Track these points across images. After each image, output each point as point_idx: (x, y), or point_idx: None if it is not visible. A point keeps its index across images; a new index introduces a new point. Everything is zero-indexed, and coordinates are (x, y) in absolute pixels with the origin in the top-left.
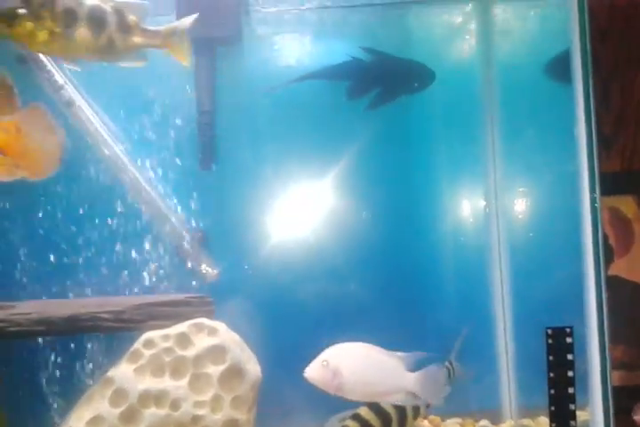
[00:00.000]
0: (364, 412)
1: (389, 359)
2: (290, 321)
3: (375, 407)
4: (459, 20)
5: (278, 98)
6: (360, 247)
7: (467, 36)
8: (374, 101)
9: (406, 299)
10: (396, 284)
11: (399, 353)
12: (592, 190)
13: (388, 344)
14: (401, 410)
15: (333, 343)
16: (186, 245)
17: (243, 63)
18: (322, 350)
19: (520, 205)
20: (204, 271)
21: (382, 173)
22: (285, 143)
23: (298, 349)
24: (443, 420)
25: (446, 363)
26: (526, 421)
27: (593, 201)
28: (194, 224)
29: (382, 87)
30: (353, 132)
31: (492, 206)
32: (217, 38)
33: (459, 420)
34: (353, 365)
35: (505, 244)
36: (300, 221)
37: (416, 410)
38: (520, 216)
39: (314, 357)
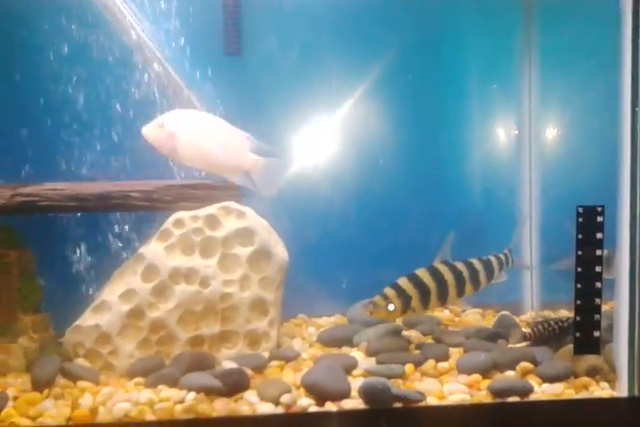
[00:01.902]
0: (402, 281)
1: (234, 136)
2: (315, 217)
3: (414, 279)
4: None
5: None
6: (390, 155)
7: None
8: None
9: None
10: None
11: (247, 134)
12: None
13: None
14: (442, 284)
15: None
16: None
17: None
18: (343, 243)
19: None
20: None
21: (414, 93)
22: (314, 33)
23: (323, 242)
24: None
25: (504, 250)
26: (547, 312)
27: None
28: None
29: None
30: (386, 40)
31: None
32: None
33: (479, 311)
34: (191, 131)
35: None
36: (322, 113)
37: (460, 288)
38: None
39: (339, 250)
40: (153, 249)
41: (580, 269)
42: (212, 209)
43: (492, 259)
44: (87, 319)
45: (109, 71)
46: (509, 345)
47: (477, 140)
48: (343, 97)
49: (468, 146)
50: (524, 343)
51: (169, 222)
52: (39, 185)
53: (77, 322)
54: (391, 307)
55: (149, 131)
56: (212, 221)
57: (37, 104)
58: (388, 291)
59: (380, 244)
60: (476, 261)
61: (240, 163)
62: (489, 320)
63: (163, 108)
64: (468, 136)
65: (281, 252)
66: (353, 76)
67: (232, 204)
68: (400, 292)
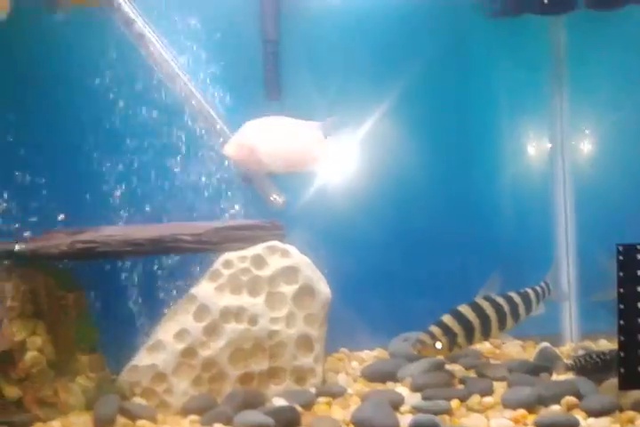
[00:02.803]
0: (446, 318)
1: (305, 130)
2: (352, 247)
3: (458, 316)
4: None
5: (342, 26)
6: (425, 180)
7: None
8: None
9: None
10: (458, 213)
11: (313, 122)
12: None
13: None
14: (485, 320)
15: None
16: (255, 176)
17: None
18: (380, 275)
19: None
20: (272, 199)
21: (446, 110)
22: (348, 73)
23: (361, 273)
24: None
25: (541, 283)
26: (587, 343)
27: None
28: None
29: None
30: (414, 66)
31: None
32: None
33: (520, 342)
34: (268, 139)
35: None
36: (362, 151)
37: (502, 322)
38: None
39: (377, 282)
40: (204, 289)
41: (622, 306)
42: (257, 249)
43: (530, 292)
44: (143, 359)
45: (156, 117)
46: (553, 378)
47: (512, 168)
48: (378, 131)
49: (503, 173)
50: (567, 375)
51: (218, 263)
52: (96, 231)
53: (134, 362)
54: (439, 345)
55: (231, 150)
56: (259, 261)
57: (85, 149)
58: (434, 329)
59: (416, 275)
60: (514, 295)
61: (319, 153)
62: (529, 352)
63: (209, 150)
64: (503, 164)
65: (324, 289)
66: (387, 110)
67: (276, 243)
68: (446, 329)
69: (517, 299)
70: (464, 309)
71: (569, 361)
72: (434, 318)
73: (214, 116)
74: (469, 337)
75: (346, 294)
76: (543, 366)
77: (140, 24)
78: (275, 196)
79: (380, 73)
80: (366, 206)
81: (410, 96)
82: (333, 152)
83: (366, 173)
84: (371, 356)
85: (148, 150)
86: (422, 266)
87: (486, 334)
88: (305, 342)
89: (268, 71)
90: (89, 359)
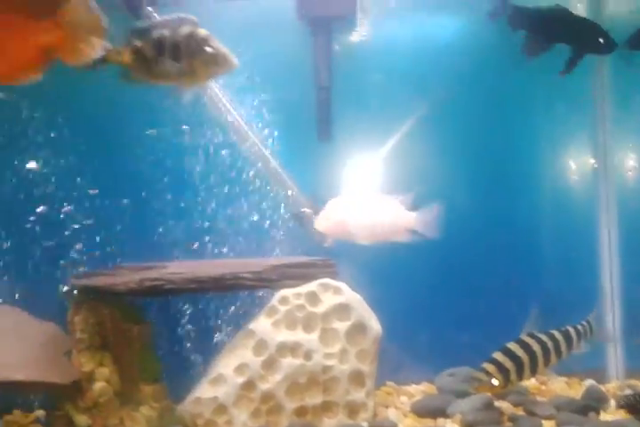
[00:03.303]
0: (498, 356)
1: (389, 204)
2: (398, 283)
3: (509, 353)
4: None
5: (391, 72)
6: (470, 219)
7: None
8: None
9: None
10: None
11: (398, 197)
12: None
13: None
14: (533, 356)
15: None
16: (304, 212)
17: (357, 40)
18: (425, 310)
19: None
20: (322, 237)
21: (488, 135)
22: (396, 116)
23: (405, 308)
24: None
25: (583, 322)
26: (633, 381)
27: None
28: (311, 193)
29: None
30: (461, 104)
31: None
32: (333, 17)
33: (565, 379)
34: (356, 213)
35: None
36: (409, 188)
37: (547, 359)
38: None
39: (421, 317)
40: (262, 325)
41: None
42: (312, 286)
43: (571, 330)
44: (206, 391)
45: (217, 159)
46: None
47: (555, 204)
48: (423, 174)
49: (547, 210)
50: (616, 415)
51: (275, 300)
52: (161, 267)
53: (197, 394)
54: (494, 382)
55: (321, 224)
56: (313, 298)
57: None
58: (489, 366)
59: (460, 311)
60: (556, 333)
61: (402, 224)
62: (574, 389)
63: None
64: (546, 201)
65: (375, 325)
66: (430, 150)
67: (329, 280)
68: (499, 367)
69: (559, 336)
70: (513, 346)
71: (619, 400)
72: (476, 353)
73: (269, 158)
74: (520, 374)
75: (391, 329)
76: (591, 405)
77: None
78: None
79: (426, 114)
80: (412, 243)
81: (455, 135)
82: (416, 224)
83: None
84: (418, 390)
85: (207, 190)
86: (466, 302)
87: (534, 371)
88: (357, 378)
89: (321, 115)
90: (152, 390)
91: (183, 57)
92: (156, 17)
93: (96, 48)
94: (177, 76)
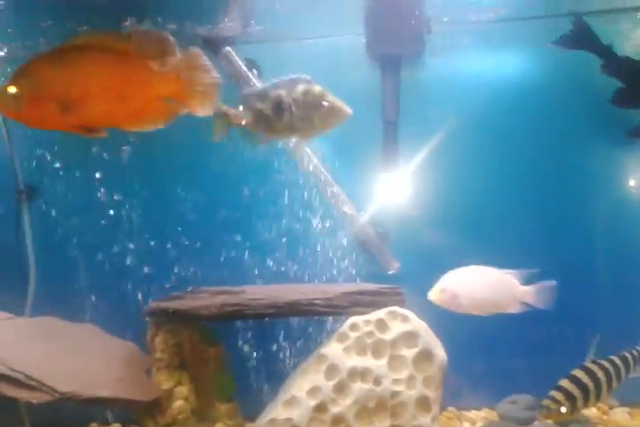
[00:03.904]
0: (565, 383)
1: (502, 276)
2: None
3: (575, 380)
4: None
5: (458, 107)
6: (526, 246)
7: None
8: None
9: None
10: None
11: (510, 270)
12: None
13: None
14: (597, 383)
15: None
16: (371, 240)
17: (425, 76)
18: (485, 337)
19: None
20: (387, 264)
21: (553, 174)
22: (463, 151)
23: (466, 334)
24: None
25: (638, 347)
26: None
27: None
28: (377, 221)
29: None
30: (527, 139)
31: None
32: (402, 54)
33: (627, 409)
34: (468, 286)
35: None
36: (476, 221)
37: (609, 385)
38: None
39: (481, 343)
40: (333, 350)
41: None
42: (380, 314)
43: (628, 355)
44: (280, 413)
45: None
46: None
47: (612, 233)
48: (487, 208)
49: (603, 237)
50: None
51: (346, 326)
52: (239, 293)
53: (272, 415)
54: (563, 409)
55: (436, 296)
56: (382, 325)
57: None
58: (557, 394)
59: (519, 338)
60: (616, 359)
61: (514, 297)
62: (637, 419)
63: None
64: (604, 230)
65: (440, 353)
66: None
67: (397, 308)
68: (567, 394)
69: (618, 362)
70: (579, 373)
71: None
72: (536, 380)
73: (335, 186)
74: (586, 401)
75: (452, 354)
76: None
77: None
78: (389, 260)
79: (492, 148)
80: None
81: (521, 173)
82: (530, 298)
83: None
84: (479, 416)
85: (278, 218)
86: (525, 330)
87: (598, 397)
88: (423, 403)
89: (387, 148)
90: (226, 408)
91: (302, 113)
92: (234, 55)
93: (211, 101)
94: (297, 131)
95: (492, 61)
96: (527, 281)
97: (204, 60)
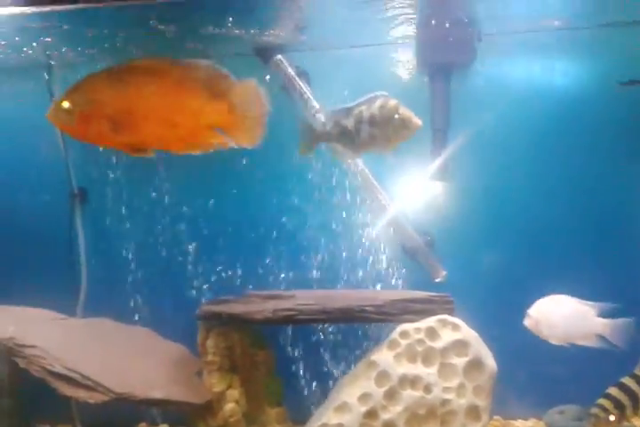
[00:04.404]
0: (614, 391)
1: (582, 307)
2: (508, 319)
3: (624, 388)
4: None
5: (507, 117)
6: (576, 260)
7: None
8: None
9: None
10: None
11: (591, 302)
12: None
13: None
14: None
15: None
16: (418, 247)
17: (474, 84)
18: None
19: None
20: (434, 272)
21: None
22: (514, 159)
23: (512, 343)
24: None
25: None
26: None
27: None
28: (424, 228)
29: None
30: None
31: None
32: (453, 63)
33: None
34: (549, 315)
35: None
36: (524, 230)
37: None
38: None
39: (527, 352)
40: (384, 357)
41: None
42: (430, 322)
43: None
44: (331, 418)
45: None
46: None
47: None
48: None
49: None
50: None
51: (396, 333)
52: (290, 297)
53: (323, 420)
54: (612, 418)
55: (526, 322)
56: (432, 333)
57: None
58: (605, 402)
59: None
60: None
61: (593, 330)
62: None
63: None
64: None
65: (491, 362)
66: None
67: (447, 317)
68: (616, 402)
69: None
70: (628, 381)
71: None
72: (584, 390)
73: (382, 192)
74: (635, 409)
75: (498, 362)
76: None
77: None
78: (436, 268)
79: (543, 157)
80: (516, 278)
81: (571, 182)
82: (609, 333)
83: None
84: (526, 426)
85: (324, 224)
86: None
87: None
88: (473, 412)
89: (436, 156)
90: (275, 412)
91: (378, 126)
92: (285, 63)
93: (259, 135)
94: (375, 144)
95: (542, 70)
96: (607, 315)
97: (259, 92)
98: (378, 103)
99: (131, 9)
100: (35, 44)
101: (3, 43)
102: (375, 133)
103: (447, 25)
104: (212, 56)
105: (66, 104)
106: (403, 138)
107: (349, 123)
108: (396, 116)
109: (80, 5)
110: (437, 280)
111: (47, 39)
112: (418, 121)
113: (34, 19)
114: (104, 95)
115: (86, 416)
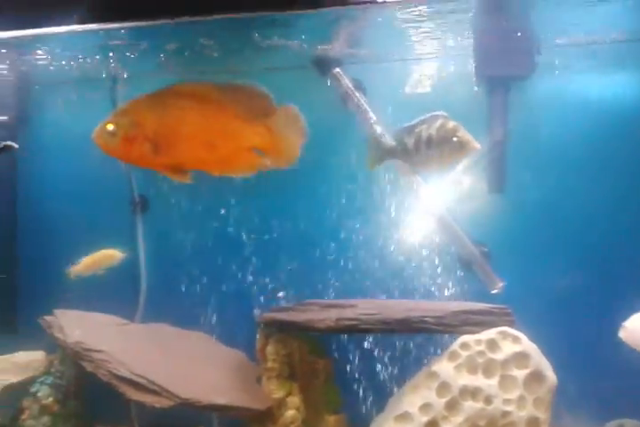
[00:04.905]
0: None
1: None
2: (564, 331)
3: None
4: None
5: (566, 130)
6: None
7: None
8: None
9: None
10: None
11: None
12: None
13: None
14: None
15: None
16: (473, 258)
17: (533, 96)
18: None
19: None
20: (491, 283)
21: None
22: (570, 173)
23: (572, 357)
24: None
25: None
26: None
27: None
28: (480, 239)
29: None
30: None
31: None
32: (511, 76)
33: None
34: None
35: None
36: (585, 242)
37: None
38: None
39: (584, 364)
40: (445, 368)
41: None
42: (491, 334)
43: None
44: None
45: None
46: None
47: None
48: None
49: None
50: None
51: (456, 345)
52: (350, 307)
53: None
54: None
55: (621, 333)
56: (492, 345)
57: None
58: None
59: (628, 361)
60: None
61: None
62: None
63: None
64: None
65: (551, 375)
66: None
67: (507, 329)
68: None
69: None
70: None
71: None
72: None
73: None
74: None
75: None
76: None
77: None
78: (493, 279)
79: (600, 170)
80: (576, 289)
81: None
82: None
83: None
84: None
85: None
86: (631, 351)
87: None
88: (533, 424)
89: (493, 168)
90: (334, 420)
91: (435, 147)
92: (343, 76)
93: (296, 157)
94: (431, 163)
95: (603, 83)
96: None
97: (298, 115)
98: (437, 123)
99: (193, 24)
100: (100, 56)
101: (69, 55)
102: (432, 154)
103: (506, 37)
104: (272, 69)
105: (110, 126)
106: (457, 159)
107: (410, 141)
108: (455, 138)
109: (144, 22)
110: (494, 292)
111: (114, 53)
112: (476, 145)
113: (101, 35)
114: (146, 118)
115: (144, 419)
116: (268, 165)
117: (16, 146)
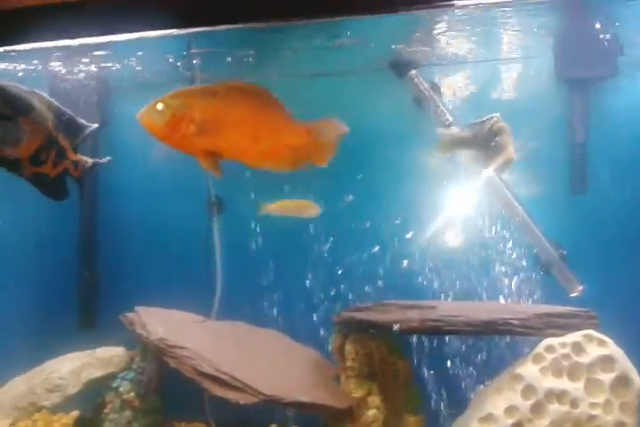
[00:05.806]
0: None
1: None
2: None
3: None
4: None
5: None
6: None
7: None
8: None
9: None
10: None
11: None
12: None
13: None
14: None
15: None
16: (553, 261)
17: (615, 98)
18: None
19: None
20: (570, 286)
21: None
22: None
23: None
24: None
25: None
26: None
27: None
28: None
29: None
30: None
31: None
32: (593, 77)
33: None
34: None
35: None
36: None
37: None
38: None
39: None
40: (530, 371)
41: None
42: (576, 337)
43: None
44: None
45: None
46: None
47: None
48: None
49: None
50: None
51: (541, 347)
52: (430, 308)
53: None
54: None
55: None
56: (578, 348)
57: None
58: None
59: None
60: None
61: None
62: None
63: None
64: None
65: (638, 380)
66: None
67: (592, 332)
68: None
69: None
70: None
71: None
72: None
73: (518, 207)
74: None
75: None
76: None
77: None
78: (572, 282)
79: None
80: None
81: None
82: None
83: None
84: None
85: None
86: None
87: None
88: None
89: (575, 169)
90: (415, 420)
91: (479, 146)
92: (420, 78)
93: (331, 157)
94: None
95: None
96: None
97: (337, 128)
98: (488, 124)
99: (264, 30)
100: (176, 61)
101: (146, 60)
102: (478, 151)
103: (588, 38)
104: (352, 71)
105: (160, 105)
106: (496, 162)
107: (470, 137)
108: (493, 143)
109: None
110: (573, 295)
111: (190, 59)
112: (510, 154)
113: (176, 40)
114: (197, 102)
115: (218, 415)
116: (304, 161)
117: (106, 161)
